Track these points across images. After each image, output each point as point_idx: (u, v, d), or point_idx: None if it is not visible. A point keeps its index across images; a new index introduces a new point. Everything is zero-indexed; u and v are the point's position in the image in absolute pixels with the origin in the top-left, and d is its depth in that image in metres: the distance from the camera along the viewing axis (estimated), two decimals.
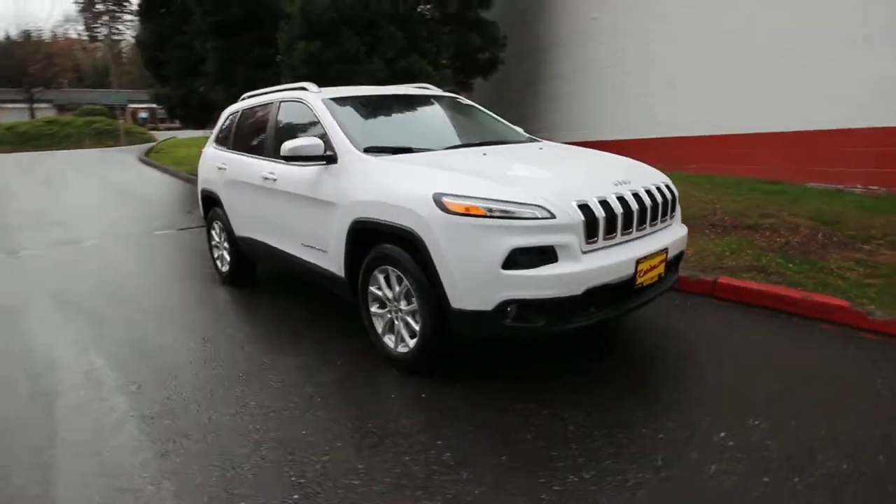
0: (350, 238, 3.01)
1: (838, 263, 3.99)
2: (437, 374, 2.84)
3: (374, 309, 3.02)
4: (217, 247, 4.98)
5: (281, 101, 4.00)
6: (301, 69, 9.53)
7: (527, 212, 2.39)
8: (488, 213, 2.40)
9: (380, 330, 3.00)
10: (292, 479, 2.11)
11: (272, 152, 3.86)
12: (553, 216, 2.38)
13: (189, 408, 2.71)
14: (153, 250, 6.53)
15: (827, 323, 3.33)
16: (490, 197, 2.45)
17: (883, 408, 2.48)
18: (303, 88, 3.90)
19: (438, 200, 2.50)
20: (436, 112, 4.06)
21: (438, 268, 2.51)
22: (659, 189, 2.92)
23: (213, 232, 5.01)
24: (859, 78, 6.08)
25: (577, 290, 2.40)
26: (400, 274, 2.77)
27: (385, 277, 2.89)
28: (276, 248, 3.91)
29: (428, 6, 10.04)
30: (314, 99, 3.61)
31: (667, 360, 3.09)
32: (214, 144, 4.99)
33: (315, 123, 3.52)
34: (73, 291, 4.82)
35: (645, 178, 2.97)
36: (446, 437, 2.33)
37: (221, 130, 4.94)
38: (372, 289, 2.99)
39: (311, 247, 3.45)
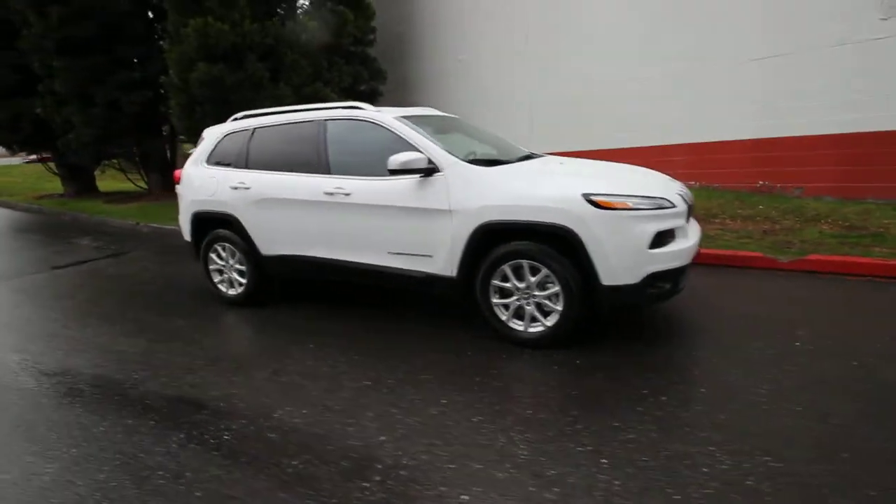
0: (473, 240, 2.89)
1: (714, 232, 5.15)
2: (561, 345, 2.86)
3: (495, 300, 2.95)
4: (222, 270, 4.07)
5: (329, 120, 3.50)
6: (200, 91, 8.05)
7: (659, 203, 2.66)
8: (634, 207, 2.61)
9: (504, 318, 2.95)
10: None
11: (328, 168, 3.40)
12: (674, 206, 2.70)
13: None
14: (79, 290, 4.96)
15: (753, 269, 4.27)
16: (630, 194, 2.67)
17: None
18: (354, 107, 3.50)
19: (590, 199, 2.63)
20: (462, 127, 4.00)
21: (592, 254, 2.63)
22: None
23: (213, 256, 4.07)
24: (667, 110, 7.66)
25: (687, 260, 2.76)
26: (536, 264, 2.78)
27: (514, 270, 2.86)
28: (336, 261, 3.44)
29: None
30: (385, 117, 3.29)
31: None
32: (206, 165, 4.06)
33: (389, 139, 3.23)
34: None
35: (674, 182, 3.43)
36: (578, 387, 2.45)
37: (216, 151, 4.04)
38: (496, 282, 2.92)
39: (405, 253, 3.17)
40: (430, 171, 3.01)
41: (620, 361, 2.73)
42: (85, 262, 6.42)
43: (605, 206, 2.61)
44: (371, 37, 10.00)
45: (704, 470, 1.83)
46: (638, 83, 7.38)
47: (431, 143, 3.10)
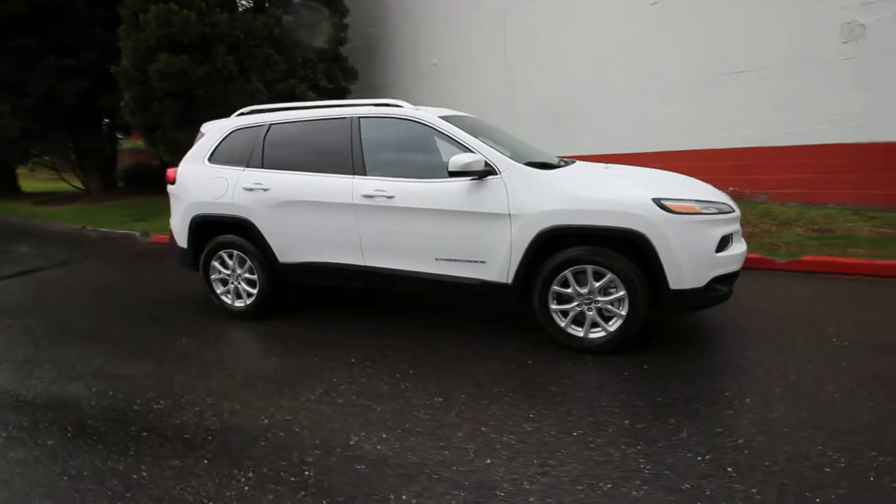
0: (534, 245, 2.77)
1: None
2: (619, 351, 2.79)
3: (553, 306, 2.84)
4: (226, 280, 3.64)
5: (362, 117, 3.22)
6: (160, 84, 7.26)
7: (723, 207, 2.68)
8: (703, 211, 2.60)
9: (563, 324, 2.84)
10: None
11: (364, 169, 3.13)
12: (733, 210, 2.73)
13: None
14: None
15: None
16: (697, 199, 2.67)
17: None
18: (388, 105, 3.24)
19: (661, 204, 2.59)
20: (487, 129, 3.83)
21: (663, 258, 2.59)
22: None
23: (216, 264, 3.62)
24: (645, 121, 7.96)
25: (741, 264, 2.80)
26: (600, 269, 2.70)
27: (575, 275, 2.76)
28: (373, 269, 3.18)
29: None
30: (431, 116, 3.07)
31: None
32: (209, 164, 3.62)
33: (436, 139, 3.04)
34: None
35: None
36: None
37: (222, 148, 3.61)
38: (556, 288, 2.81)
39: (455, 260, 2.97)
40: (486, 173, 2.85)
41: (685, 366, 2.69)
42: (31, 271, 5.56)
43: (677, 210, 2.58)
44: (343, 34, 9.58)
45: (827, 470, 1.82)
46: (618, 94, 7.62)
47: (484, 145, 2.94)
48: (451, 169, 2.78)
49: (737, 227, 2.81)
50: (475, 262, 2.96)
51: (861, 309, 3.47)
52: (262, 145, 3.51)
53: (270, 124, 3.52)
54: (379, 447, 2.08)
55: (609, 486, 1.79)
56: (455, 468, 1.92)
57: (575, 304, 2.82)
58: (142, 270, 5.82)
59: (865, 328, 3.09)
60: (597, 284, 2.75)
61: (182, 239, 3.80)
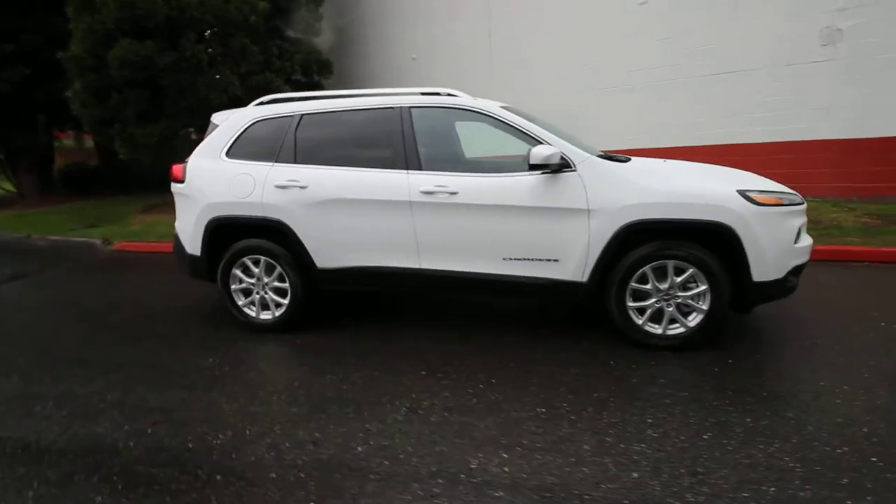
0: (615, 241, 2.65)
1: None
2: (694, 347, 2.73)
3: (630, 303, 2.74)
4: (250, 289, 3.25)
5: (413, 107, 2.96)
6: (120, 73, 6.49)
7: (795, 199, 2.70)
8: (785, 202, 2.60)
9: (640, 321, 2.75)
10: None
11: (419, 163, 2.89)
12: (803, 202, 2.75)
13: None
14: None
15: None
16: (779, 191, 2.67)
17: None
18: (438, 94, 3.00)
19: (747, 196, 2.56)
20: (543, 121, 3.64)
21: (748, 250, 2.56)
22: None
23: (237, 272, 3.22)
24: (631, 118, 8.13)
25: (810, 255, 2.83)
26: (682, 264, 2.63)
27: (655, 272, 2.68)
28: (431, 272, 2.94)
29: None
30: (493, 106, 2.87)
31: None
32: (228, 158, 3.21)
33: (501, 131, 2.85)
34: None
35: None
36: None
37: (242, 141, 3.21)
38: (633, 284, 2.71)
39: (525, 259, 2.80)
40: (561, 166, 2.70)
41: (764, 358, 2.69)
42: None
43: (762, 202, 2.56)
44: (318, 25, 9.09)
45: None
46: (605, 91, 7.73)
47: (557, 137, 2.79)
48: (532, 162, 2.61)
49: (805, 218, 2.87)
50: (547, 260, 2.80)
51: (891, 293, 3.68)
52: (294, 137, 3.15)
53: (302, 114, 3.17)
54: (506, 469, 1.87)
55: (773, 489, 1.70)
56: (604, 486, 1.76)
57: (653, 300, 2.74)
58: (115, 283, 5.16)
59: None
60: (678, 280, 2.70)
61: (194, 245, 3.34)
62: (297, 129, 3.16)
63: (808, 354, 2.73)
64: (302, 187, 3.05)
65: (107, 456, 2.07)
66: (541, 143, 2.75)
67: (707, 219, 2.57)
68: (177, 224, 3.53)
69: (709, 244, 2.64)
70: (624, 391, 2.41)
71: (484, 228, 2.84)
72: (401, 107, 3.02)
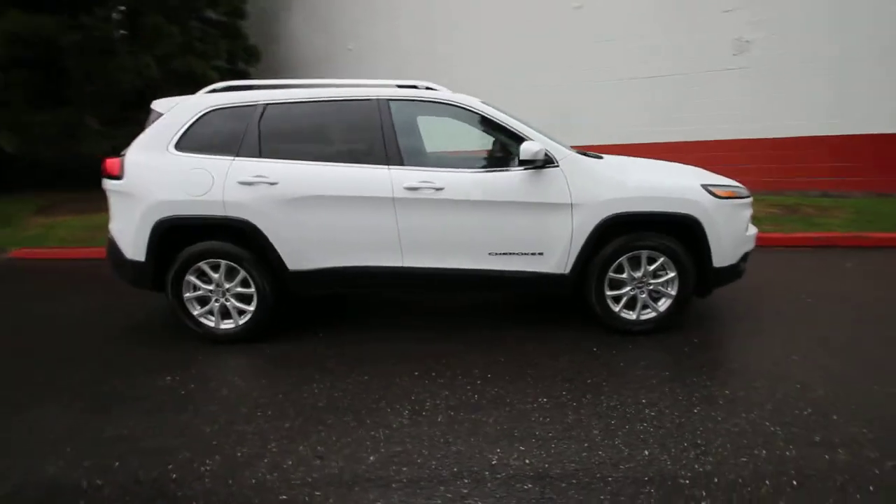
0: (595, 234, 2.78)
1: None
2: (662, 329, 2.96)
3: (608, 292, 2.90)
4: (208, 297, 2.95)
5: (392, 100, 2.84)
6: (6, 49, 5.51)
7: (746, 192, 3.00)
8: (737, 195, 2.88)
9: (617, 308, 2.92)
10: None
11: (400, 159, 2.80)
12: (751, 196, 3.06)
13: None
14: None
15: None
16: (731, 185, 2.95)
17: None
18: (415, 87, 2.91)
19: (708, 189, 2.81)
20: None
21: (710, 239, 2.81)
22: None
23: (191, 279, 2.91)
24: (578, 116, 8.50)
25: (755, 243, 3.17)
26: (653, 255, 2.84)
27: (630, 261, 2.85)
28: (413, 269, 2.88)
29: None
30: (474, 101, 2.86)
31: None
32: (177, 151, 2.87)
33: (482, 126, 2.87)
34: None
35: None
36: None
37: (194, 132, 2.89)
38: (611, 274, 2.87)
39: (510, 253, 2.84)
40: (546, 162, 2.77)
41: (722, 337, 3.00)
42: None
43: (721, 195, 2.84)
44: (243, 6, 8.42)
45: None
46: (544, 88, 8.05)
47: (539, 133, 2.85)
48: (522, 157, 2.65)
49: (752, 210, 3.21)
50: (532, 254, 2.87)
51: (804, 272, 4.25)
52: (258, 129, 2.89)
53: (266, 104, 2.91)
54: (527, 461, 1.90)
55: (764, 451, 1.89)
56: (623, 466, 1.85)
57: (628, 288, 2.93)
58: (23, 297, 4.40)
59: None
60: (650, 268, 2.90)
61: (136, 249, 2.94)
62: (260, 120, 2.91)
63: (757, 330, 3.07)
64: (271, 184, 2.81)
65: (70, 501, 1.78)
66: (524, 139, 2.81)
67: (678, 211, 2.79)
68: (112, 226, 3.09)
69: (676, 234, 2.89)
70: (614, 376, 2.55)
71: (470, 224, 2.83)
72: (378, 99, 2.90)
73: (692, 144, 7.21)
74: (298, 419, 2.23)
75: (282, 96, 2.96)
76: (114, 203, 3.05)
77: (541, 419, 2.17)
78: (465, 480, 1.80)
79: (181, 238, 2.95)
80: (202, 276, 2.99)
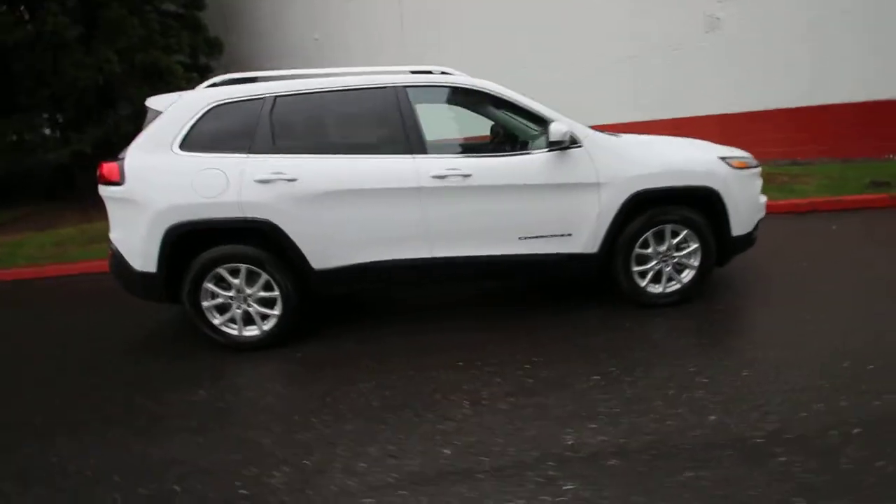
0: (622, 211, 2.84)
1: None
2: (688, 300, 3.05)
3: (635, 268, 2.96)
4: (227, 305, 2.81)
5: (409, 87, 2.75)
6: None
7: (755, 162, 3.12)
8: (748, 165, 2.99)
9: (643, 283, 3.00)
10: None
11: (423, 147, 2.75)
12: (759, 165, 3.18)
13: None
14: None
15: None
16: (743, 155, 3.04)
17: None
18: (429, 72, 2.85)
19: (726, 161, 2.90)
20: None
21: (729, 210, 2.91)
22: None
23: (210, 286, 2.75)
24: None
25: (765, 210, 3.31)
26: (676, 228, 2.92)
27: (656, 235, 2.92)
28: (444, 259, 2.84)
29: None
30: (494, 85, 2.82)
31: None
32: (182, 151, 2.69)
33: (505, 110, 2.87)
34: None
35: None
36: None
37: (198, 130, 2.71)
38: (638, 250, 2.93)
39: (540, 236, 2.85)
40: (571, 142, 2.77)
41: (744, 304, 3.11)
42: None
43: (736, 166, 2.95)
44: None
45: None
46: (522, 75, 8.04)
47: (560, 115, 2.84)
48: (552, 139, 2.65)
49: (761, 179, 3.35)
50: (562, 235, 2.88)
51: (793, 238, 4.47)
52: (270, 123, 2.74)
53: (276, 96, 2.76)
54: (602, 437, 1.92)
55: (821, 405, 2.00)
56: (695, 433, 1.91)
57: (654, 262, 3.01)
58: (14, 320, 4.02)
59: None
60: (674, 241, 2.99)
61: (145, 259, 2.74)
62: (271, 113, 2.76)
63: (773, 294, 3.24)
64: (290, 180, 2.68)
65: None
66: (550, 121, 2.80)
67: (699, 184, 2.88)
68: (114, 236, 2.87)
69: (697, 207, 2.98)
70: (656, 348, 2.63)
71: (500, 209, 2.81)
72: (395, 86, 2.81)
73: (664, 123, 7.45)
74: (358, 420, 2.17)
75: (292, 87, 2.81)
76: (115, 212, 2.83)
77: (601, 396, 2.21)
78: (550, 463, 1.82)
79: (194, 244, 2.78)
80: (220, 282, 2.84)
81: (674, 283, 3.05)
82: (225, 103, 2.79)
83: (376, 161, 2.77)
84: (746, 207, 3.02)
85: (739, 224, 3.00)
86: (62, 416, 2.40)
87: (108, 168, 2.78)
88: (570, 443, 1.92)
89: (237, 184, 2.68)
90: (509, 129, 3.14)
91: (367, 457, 1.93)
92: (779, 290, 3.28)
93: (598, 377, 2.37)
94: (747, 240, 3.11)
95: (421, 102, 2.81)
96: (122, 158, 2.78)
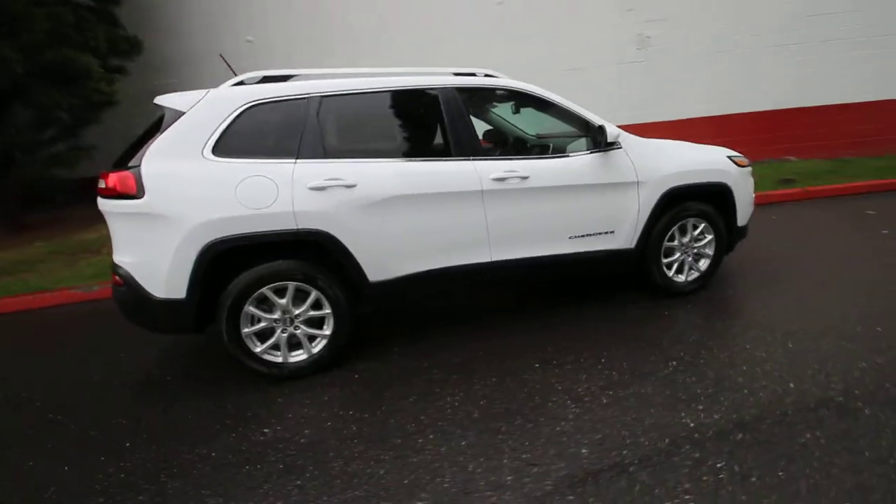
0: (657, 208, 3.08)
1: None
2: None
3: (664, 260, 3.21)
4: (272, 329, 2.52)
5: (459, 88, 2.71)
6: None
7: (749, 161, 3.52)
8: (746, 164, 3.38)
9: (671, 273, 3.26)
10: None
11: (476, 150, 2.72)
12: (751, 164, 3.62)
13: None
14: None
15: None
16: (741, 155, 3.43)
17: None
18: (472, 74, 2.87)
19: (734, 160, 3.25)
20: None
21: (738, 203, 3.29)
22: None
23: (250, 310, 2.45)
24: None
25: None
26: (696, 221, 3.23)
27: (680, 229, 3.21)
28: (501, 263, 2.84)
29: None
30: (538, 88, 2.85)
31: None
32: (217, 157, 2.37)
33: (551, 112, 2.97)
34: None
35: None
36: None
37: (233, 132, 2.41)
38: (666, 243, 3.18)
39: (587, 235, 2.98)
40: (613, 143, 2.94)
41: (754, 290, 3.40)
42: None
43: (740, 164, 3.34)
44: None
45: None
46: None
47: (596, 117, 2.98)
48: (610, 140, 2.79)
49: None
50: (605, 233, 3.04)
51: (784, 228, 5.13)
52: (318, 125, 2.51)
53: (323, 96, 2.54)
54: (716, 416, 2.05)
55: (865, 364, 2.37)
56: (789, 400, 2.12)
57: (678, 254, 3.29)
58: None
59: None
60: (693, 234, 3.29)
61: (171, 285, 2.34)
62: (318, 114, 2.54)
63: (777, 275, 3.62)
64: (348, 186, 2.49)
65: None
66: (593, 123, 2.95)
67: (718, 181, 3.23)
68: (124, 259, 2.40)
69: (710, 201, 3.32)
70: (706, 331, 2.87)
71: (554, 210, 2.89)
72: (444, 87, 2.76)
73: None
74: (469, 434, 2.08)
75: (339, 87, 2.62)
76: (127, 231, 2.39)
77: (688, 380, 2.36)
78: (687, 447, 1.90)
79: (237, 263, 2.45)
80: (263, 304, 2.53)
81: (693, 272, 3.38)
82: (263, 103, 2.51)
83: (437, 165, 2.69)
84: (746, 201, 3.44)
85: (743, 215, 3.41)
86: (106, 473, 1.95)
87: (118, 178, 2.34)
88: (691, 425, 2.03)
89: (288, 192, 2.43)
90: (551, 130, 3.27)
91: (507, 469, 1.86)
92: (781, 272, 3.68)
93: (675, 363, 2.53)
94: (744, 230, 3.54)
95: (474, 105, 2.80)
96: (137, 166, 2.37)
